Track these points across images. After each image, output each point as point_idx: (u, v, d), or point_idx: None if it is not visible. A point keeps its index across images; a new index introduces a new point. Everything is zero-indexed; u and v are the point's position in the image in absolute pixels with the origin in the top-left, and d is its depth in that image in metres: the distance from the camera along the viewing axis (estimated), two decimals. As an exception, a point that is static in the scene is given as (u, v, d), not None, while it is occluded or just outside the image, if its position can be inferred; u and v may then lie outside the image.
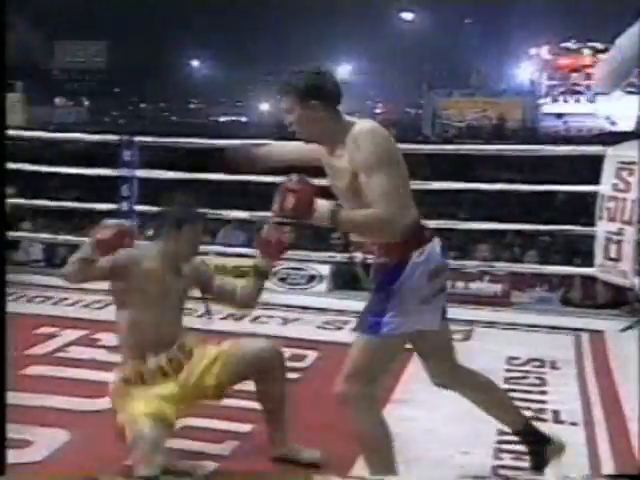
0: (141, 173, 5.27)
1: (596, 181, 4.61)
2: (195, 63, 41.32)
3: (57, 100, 34.74)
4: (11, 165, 5.42)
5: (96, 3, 34.33)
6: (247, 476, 2.56)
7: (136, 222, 5.24)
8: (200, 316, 2.83)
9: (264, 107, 34.80)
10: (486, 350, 3.96)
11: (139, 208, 5.26)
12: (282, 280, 5.20)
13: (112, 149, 5.64)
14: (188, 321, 2.69)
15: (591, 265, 4.70)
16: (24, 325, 4.02)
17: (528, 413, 2.98)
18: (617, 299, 5.19)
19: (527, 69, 32.12)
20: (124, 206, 5.25)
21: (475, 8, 34.42)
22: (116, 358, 2.66)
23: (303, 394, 3.20)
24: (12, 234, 5.78)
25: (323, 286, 5.18)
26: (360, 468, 2.43)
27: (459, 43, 34.51)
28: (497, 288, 5.09)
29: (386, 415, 2.33)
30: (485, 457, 2.68)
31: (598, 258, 4.56)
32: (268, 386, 2.58)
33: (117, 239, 2.46)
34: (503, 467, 2.62)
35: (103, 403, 2.80)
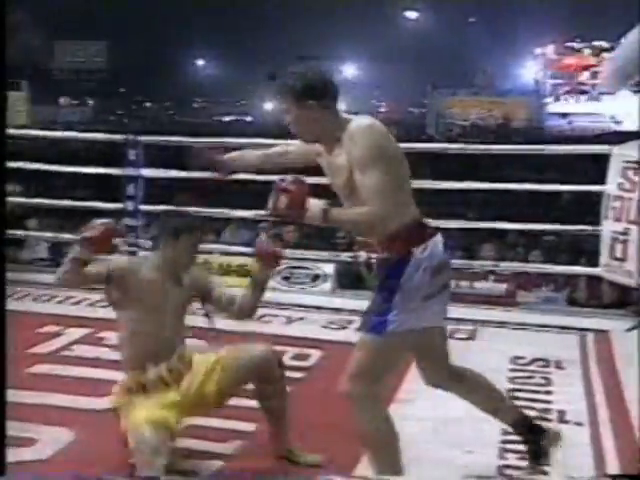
0: (146, 172, 5.27)
1: (602, 181, 4.60)
2: (200, 62, 41.36)
3: (62, 100, 34.80)
4: (17, 164, 5.45)
5: (96, 3, 34.39)
6: (251, 475, 2.56)
7: (141, 221, 5.25)
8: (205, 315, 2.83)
9: (268, 106, 34.81)
10: (491, 350, 3.96)
11: (144, 207, 5.26)
12: (286, 279, 5.20)
13: (116, 148, 5.65)
14: (192, 320, 2.70)
15: (597, 265, 4.68)
16: (29, 324, 4.03)
17: (533, 413, 2.98)
18: (623, 299, 5.17)
19: (532, 68, 32.07)
20: (129, 205, 5.25)
21: (480, 7, 34.36)
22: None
23: (307, 393, 3.21)
24: (17, 232, 5.79)
25: (327, 285, 5.18)
26: (364, 468, 2.43)
27: (463, 42, 34.45)
28: (502, 288, 5.08)
29: (390, 414, 2.32)
30: (490, 457, 2.68)
31: (604, 258, 4.55)
32: (268, 390, 2.59)
33: (105, 236, 2.47)
34: (508, 467, 2.62)
35: (108, 402, 2.81)
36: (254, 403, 2.67)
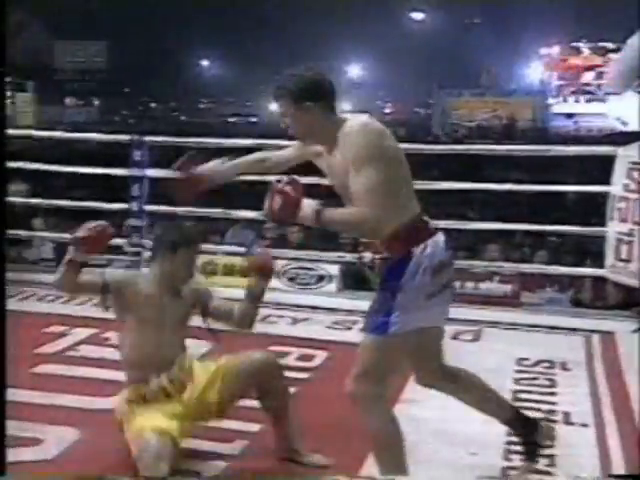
0: (151, 173, 5.28)
1: (607, 181, 4.59)
2: (204, 63, 41.40)
3: (67, 100, 34.88)
4: (25, 165, 5.46)
5: (96, 3, 34.44)
6: (256, 475, 2.56)
7: (146, 221, 5.26)
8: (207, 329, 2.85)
9: (273, 107, 34.82)
10: (496, 350, 3.96)
11: (149, 208, 5.27)
12: (291, 280, 5.20)
13: (121, 148, 5.65)
14: (193, 321, 2.70)
15: (602, 266, 4.67)
16: (34, 324, 4.04)
17: (538, 414, 2.97)
18: (628, 300, 5.15)
19: (537, 69, 32.03)
20: (134, 206, 5.26)
21: (485, 8, 34.33)
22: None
23: (312, 394, 3.21)
24: (22, 233, 5.80)
25: (332, 286, 5.17)
26: (369, 468, 2.43)
27: (469, 43, 34.42)
28: (507, 288, 5.06)
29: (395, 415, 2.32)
30: (495, 458, 2.68)
31: (609, 259, 4.54)
32: (270, 396, 2.60)
33: (97, 237, 2.49)
34: (513, 468, 2.61)
35: (113, 402, 2.82)
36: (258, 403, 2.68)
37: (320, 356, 3.78)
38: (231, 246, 5.61)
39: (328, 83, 2.27)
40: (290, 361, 3.64)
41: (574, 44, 30.10)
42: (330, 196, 2.28)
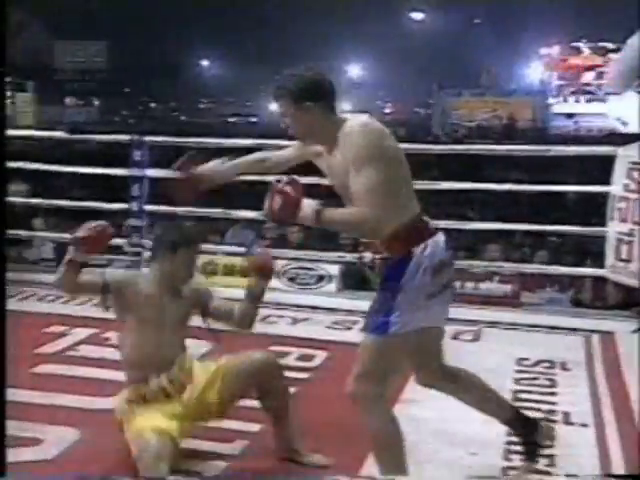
0: (151, 173, 5.28)
1: (607, 181, 4.59)
2: (204, 63, 41.39)
3: (67, 100, 34.88)
4: (25, 165, 5.46)
5: (96, 3, 34.43)
6: (257, 475, 2.56)
7: (146, 221, 5.26)
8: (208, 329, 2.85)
9: (273, 107, 34.80)
10: (496, 351, 3.96)
11: (149, 208, 5.28)
12: (291, 280, 5.20)
13: (121, 148, 5.66)
14: (193, 321, 2.71)
15: (602, 266, 4.67)
16: (34, 324, 4.05)
17: (538, 414, 2.98)
18: (628, 300, 5.15)
19: (537, 69, 32.03)
20: (134, 205, 5.27)
21: (485, 8, 34.33)
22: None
23: (312, 394, 3.21)
24: (23, 233, 5.80)
25: (332, 286, 5.17)
26: (370, 468, 2.43)
27: (469, 43, 34.43)
28: (507, 288, 5.06)
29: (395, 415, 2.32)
30: (495, 458, 2.68)
31: (609, 259, 4.54)
32: (270, 396, 2.60)
33: (97, 237, 2.50)
34: (513, 468, 2.61)
35: (113, 402, 2.82)
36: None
37: (320, 356, 3.78)
38: (231, 246, 5.61)
39: (328, 83, 2.26)
40: (290, 361, 3.64)
41: (574, 44, 30.08)
42: (330, 196, 2.28)
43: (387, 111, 35.23)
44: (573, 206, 10.14)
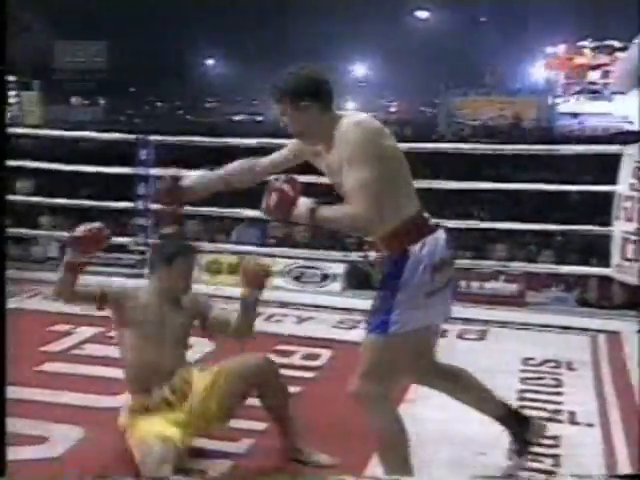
0: (157, 171, 5.28)
1: (613, 181, 4.57)
2: (210, 62, 41.40)
3: (73, 99, 34.93)
4: (30, 163, 5.47)
5: (96, 3, 34.47)
6: (263, 474, 2.56)
7: (151, 220, 5.27)
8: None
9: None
10: (501, 350, 3.95)
11: (155, 206, 5.28)
12: (296, 279, 5.20)
13: (127, 147, 5.66)
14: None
15: (608, 265, 4.66)
16: (40, 322, 4.06)
17: (544, 414, 2.97)
18: (634, 300, 5.13)
19: (543, 68, 31.94)
20: (140, 204, 5.27)
21: (490, 6, 34.25)
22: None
23: (317, 393, 3.21)
24: (28, 231, 5.82)
25: (337, 285, 5.17)
26: (374, 467, 2.42)
27: (474, 42, 34.35)
28: (513, 288, 5.05)
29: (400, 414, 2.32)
30: (499, 458, 2.67)
31: (615, 258, 4.53)
32: (270, 398, 2.61)
33: (93, 237, 2.51)
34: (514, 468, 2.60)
35: (117, 400, 2.82)
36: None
37: (325, 355, 3.78)
38: (236, 245, 5.62)
39: (325, 81, 2.26)
40: (295, 360, 3.64)
41: (580, 43, 30.00)
42: (330, 196, 2.28)
43: (392, 110, 35.19)
44: (579, 205, 10.12)
